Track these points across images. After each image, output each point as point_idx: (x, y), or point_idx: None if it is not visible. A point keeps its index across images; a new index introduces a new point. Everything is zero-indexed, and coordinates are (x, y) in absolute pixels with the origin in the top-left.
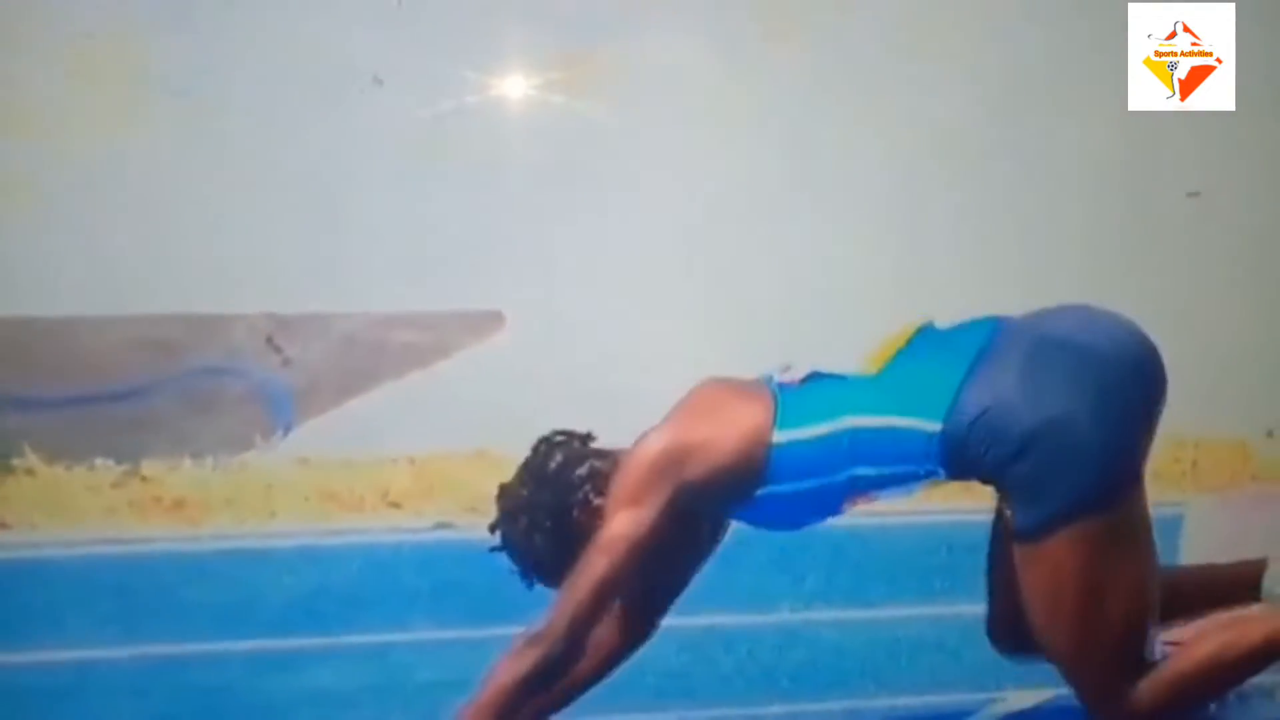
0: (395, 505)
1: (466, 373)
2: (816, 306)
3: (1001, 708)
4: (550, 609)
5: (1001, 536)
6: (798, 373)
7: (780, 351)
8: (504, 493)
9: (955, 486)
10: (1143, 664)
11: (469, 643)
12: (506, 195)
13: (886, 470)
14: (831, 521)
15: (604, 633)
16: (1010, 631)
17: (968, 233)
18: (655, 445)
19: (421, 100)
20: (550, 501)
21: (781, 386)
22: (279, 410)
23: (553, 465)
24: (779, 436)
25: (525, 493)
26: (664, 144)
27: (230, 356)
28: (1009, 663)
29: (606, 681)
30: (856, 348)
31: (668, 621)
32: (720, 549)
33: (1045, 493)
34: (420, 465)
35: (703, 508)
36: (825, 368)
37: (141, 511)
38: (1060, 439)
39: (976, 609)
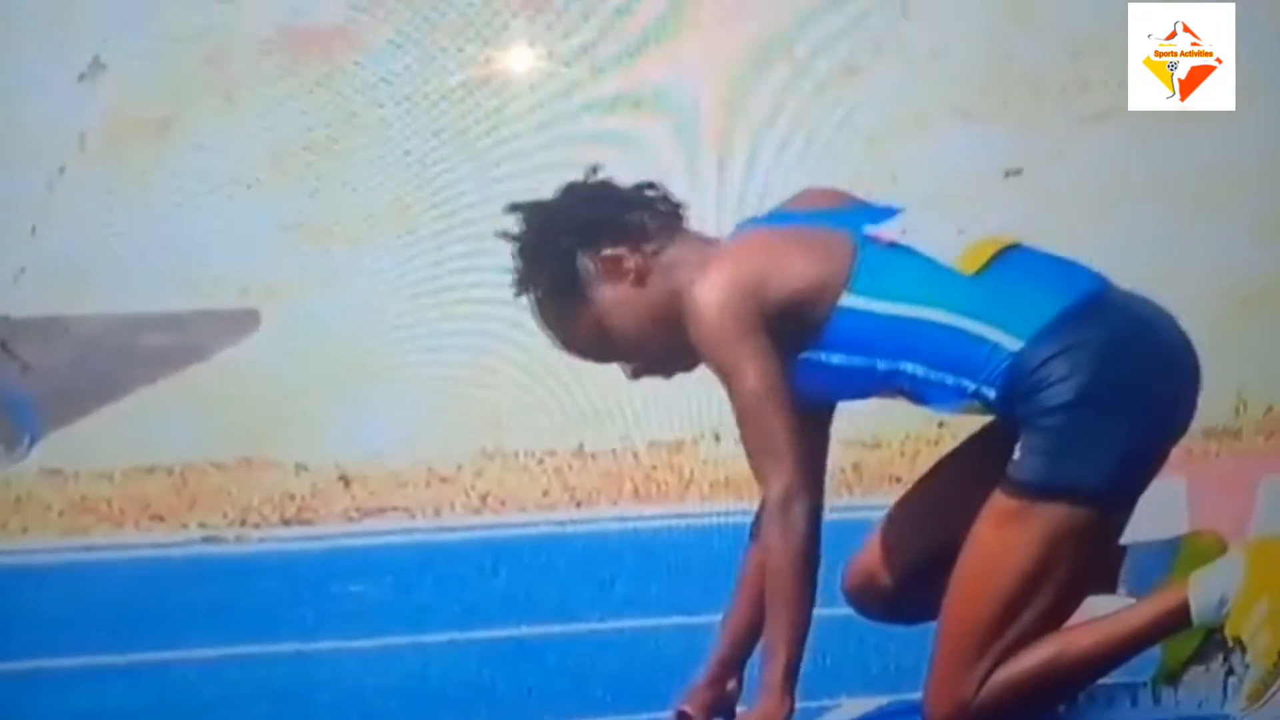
0: (158, 518)
1: (224, 376)
2: None
3: (836, 715)
4: (769, 475)
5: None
6: (890, 232)
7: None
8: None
9: None
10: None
11: (248, 660)
12: (254, 179)
13: (935, 376)
14: (638, 525)
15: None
16: (867, 588)
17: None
18: (728, 281)
19: (150, 86)
20: (582, 217)
21: (867, 240)
22: (21, 420)
23: (619, 191)
24: (848, 300)
25: (565, 197)
26: (427, 110)
27: None
28: (844, 666)
29: (402, 701)
30: None
31: (465, 635)
32: (518, 554)
33: (1068, 458)
34: (181, 476)
35: None
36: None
37: None
38: (1113, 418)
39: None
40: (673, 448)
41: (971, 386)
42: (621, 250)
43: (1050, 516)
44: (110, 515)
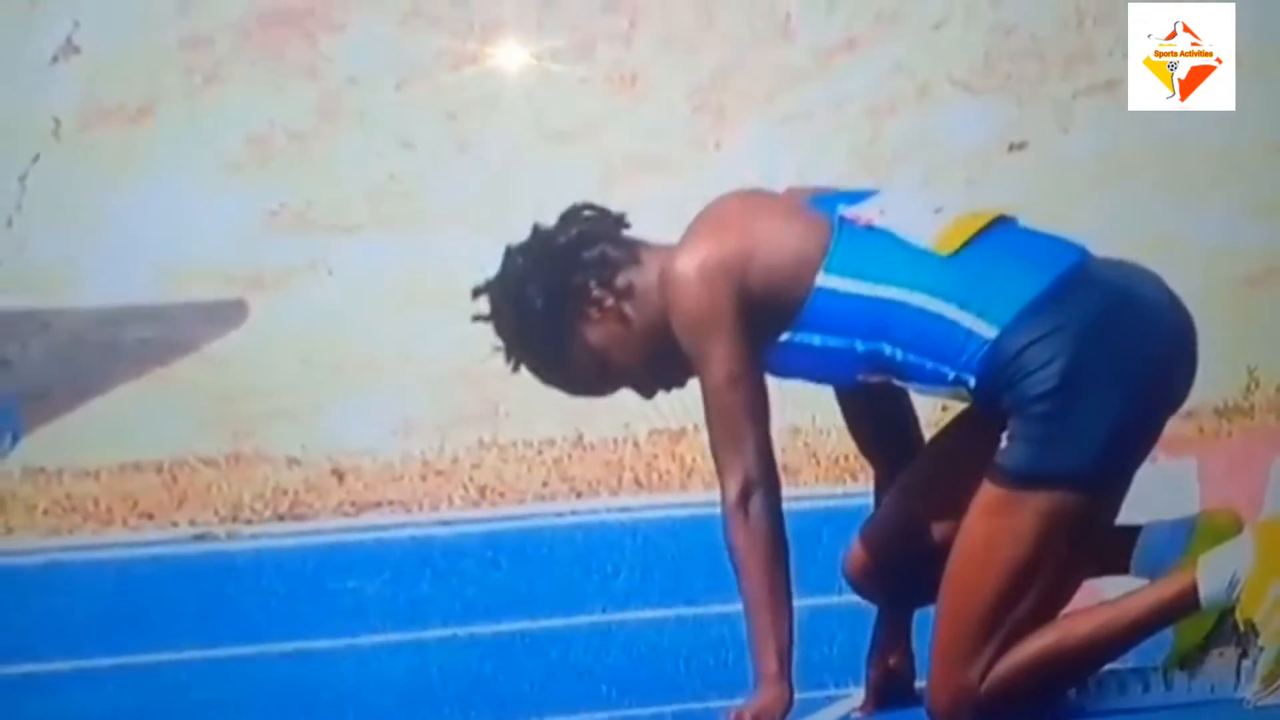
0: (147, 516)
1: (211, 369)
2: None
3: (845, 705)
4: (727, 469)
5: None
6: (867, 213)
7: None
8: (506, 256)
9: None
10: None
11: (242, 661)
12: (234, 165)
13: (914, 360)
14: (639, 515)
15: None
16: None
17: None
18: (709, 260)
19: (125, 69)
20: (548, 279)
21: (843, 222)
22: (2, 418)
23: (563, 240)
24: (824, 280)
25: (522, 262)
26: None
27: None
28: (849, 656)
29: (402, 699)
30: None
31: (465, 630)
32: (517, 547)
33: (1055, 445)
34: (169, 473)
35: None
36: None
37: None
38: (1098, 398)
39: (810, 603)
40: (674, 436)
41: (950, 374)
42: (595, 294)
43: (1039, 504)
44: (97, 514)
